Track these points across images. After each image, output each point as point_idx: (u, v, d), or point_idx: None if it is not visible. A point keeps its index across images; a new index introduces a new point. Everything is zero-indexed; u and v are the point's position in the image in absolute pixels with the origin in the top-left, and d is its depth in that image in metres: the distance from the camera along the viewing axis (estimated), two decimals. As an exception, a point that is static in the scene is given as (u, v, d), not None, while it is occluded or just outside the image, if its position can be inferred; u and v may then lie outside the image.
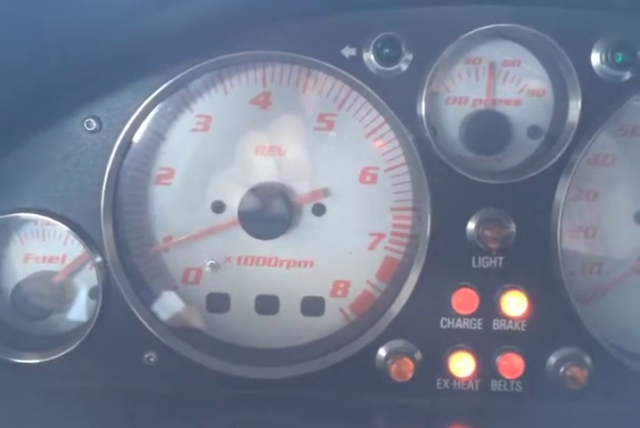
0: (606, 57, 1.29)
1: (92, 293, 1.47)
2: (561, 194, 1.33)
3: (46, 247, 1.47)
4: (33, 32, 1.08)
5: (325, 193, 1.43)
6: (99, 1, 1.05)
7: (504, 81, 1.38)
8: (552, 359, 1.36)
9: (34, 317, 1.45)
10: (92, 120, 1.34)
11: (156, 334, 1.39)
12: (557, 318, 1.36)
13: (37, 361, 1.41)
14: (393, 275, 1.45)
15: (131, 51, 1.24)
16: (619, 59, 1.29)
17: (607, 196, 1.43)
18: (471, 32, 1.28)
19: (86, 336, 1.39)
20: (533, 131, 1.40)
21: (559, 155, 1.33)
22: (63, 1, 1.02)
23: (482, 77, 1.38)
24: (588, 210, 1.43)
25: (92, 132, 1.35)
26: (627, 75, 1.30)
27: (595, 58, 1.30)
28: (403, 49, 1.28)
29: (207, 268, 1.45)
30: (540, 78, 1.38)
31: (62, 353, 1.39)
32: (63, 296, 1.47)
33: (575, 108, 1.32)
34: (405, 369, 1.34)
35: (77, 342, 1.39)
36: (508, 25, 1.29)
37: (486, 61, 1.37)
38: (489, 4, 1.29)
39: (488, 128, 1.37)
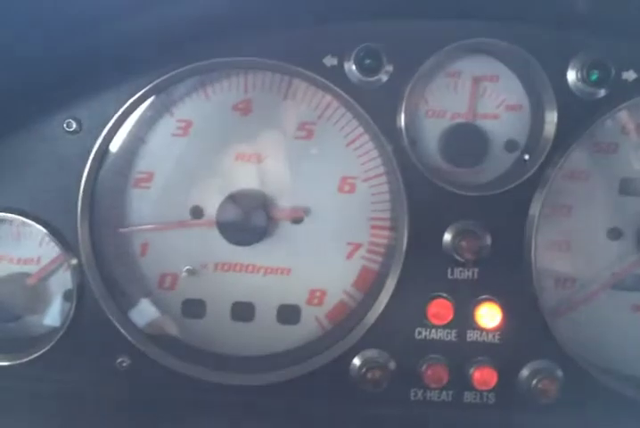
0: (582, 74, 1.32)
1: (66, 296, 1.46)
2: (535, 208, 1.35)
3: (21, 248, 1.46)
4: (15, 31, 1.09)
5: (306, 211, 1.44)
6: (82, 2, 1.05)
7: (483, 95, 1.41)
8: (524, 372, 1.37)
9: (6, 320, 1.44)
10: (72, 121, 1.34)
11: (129, 339, 1.38)
12: (530, 331, 1.37)
13: (8, 363, 1.39)
14: (370, 285, 1.45)
15: (113, 53, 1.24)
16: (594, 77, 1.31)
17: (581, 212, 1.45)
18: (451, 46, 1.31)
19: (59, 339, 1.38)
20: (510, 145, 1.42)
21: (534, 169, 1.35)
22: (47, 2, 1.03)
23: (461, 90, 1.40)
24: (562, 225, 1.45)
25: (72, 133, 1.35)
26: (602, 92, 1.33)
27: (571, 75, 1.33)
28: (384, 60, 1.30)
29: (183, 274, 1.45)
30: (517, 93, 1.41)
31: (34, 356, 1.38)
32: (37, 298, 1.46)
33: (551, 123, 1.34)
34: (379, 379, 1.34)
35: (49, 345, 1.38)
36: (487, 40, 1.32)
37: (465, 75, 1.40)
38: (469, 20, 1.32)
39: (466, 142, 1.40)
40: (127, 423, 1.33)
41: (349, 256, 1.45)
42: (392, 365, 1.38)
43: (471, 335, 1.38)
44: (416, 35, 1.32)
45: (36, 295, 1.46)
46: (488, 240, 1.36)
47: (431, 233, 1.37)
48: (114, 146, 1.40)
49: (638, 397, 1.37)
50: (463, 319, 1.37)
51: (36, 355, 1.38)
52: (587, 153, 1.43)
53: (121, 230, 1.44)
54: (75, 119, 1.35)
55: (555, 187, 1.36)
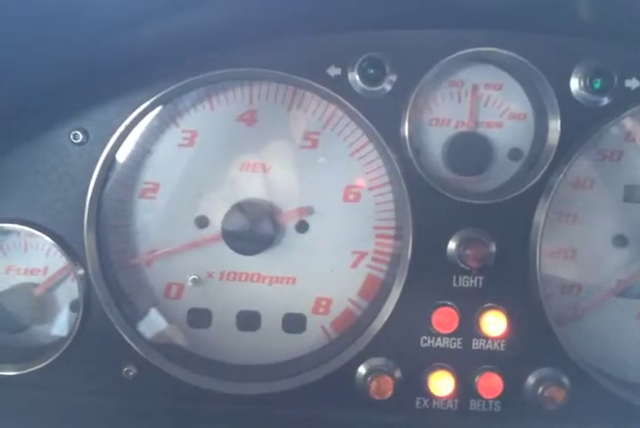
0: (585, 83, 1.32)
1: (73, 306, 1.46)
2: (540, 216, 1.35)
3: (28, 259, 1.46)
4: (21, 44, 1.09)
5: (309, 210, 1.44)
6: (88, 14, 1.06)
7: (486, 104, 1.41)
8: (530, 379, 1.37)
9: (13, 330, 1.45)
10: (78, 133, 1.36)
11: (136, 348, 1.39)
12: (536, 339, 1.37)
13: (15, 373, 1.40)
14: (375, 294, 1.46)
15: (119, 65, 1.26)
16: (597, 85, 1.32)
17: (586, 219, 1.45)
18: (454, 55, 1.32)
19: (66, 348, 1.38)
20: (514, 153, 1.42)
21: (538, 177, 1.35)
22: (54, 14, 1.04)
23: (465, 99, 1.41)
24: (567, 233, 1.45)
25: (78, 144, 1.37)
26: (605, 100, 1.34)
27: (574, 83, 1.34)
28: (387, 70, 1.31)
29: (189, 283, 1.45)
30: (521, 101, 1.41)
31: (41, 365, 1.39)
32: (44, 308, 1.46)
33: (554, 131, 1.35)
34: (384, 387, 1.34)
35: (57, 355, 1.38)
36: (490, 49, 1.32)
37: (468, 83, 1.41)
38: (472, 29, 1.32)
39: (470, 150, 1.40)
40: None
41: (355, 265, 1.45)
42: (398, 373, 1.38)
43: (477, 343, 1.38)
44: (419, 44, 1.33)
45: (43, 305, 1.46)
46: (493, 248, 1.36)
47: (436, 241, 1.37)
48: (120, 157, 1.41)
49: (645, 404, 1.37)
50: (469, 327, 1.37)
51: (43, 364, 1.39)
52: (591, 161, 1.43)
53: (133, 261, 1.45)
54: (81, 130, 1.36)
55: (560, 195, 1.37)
